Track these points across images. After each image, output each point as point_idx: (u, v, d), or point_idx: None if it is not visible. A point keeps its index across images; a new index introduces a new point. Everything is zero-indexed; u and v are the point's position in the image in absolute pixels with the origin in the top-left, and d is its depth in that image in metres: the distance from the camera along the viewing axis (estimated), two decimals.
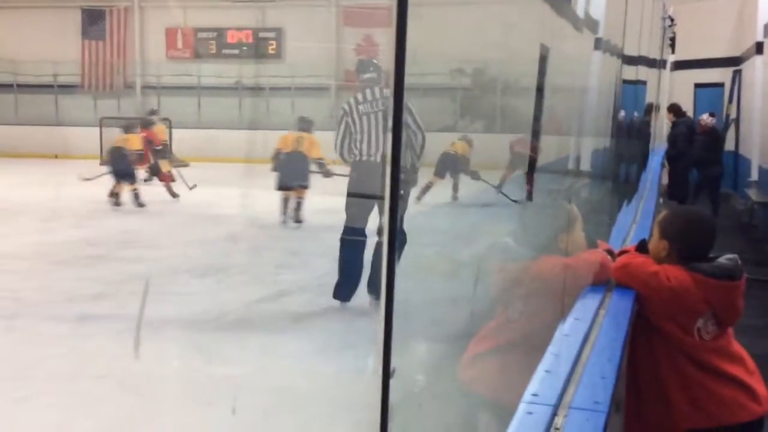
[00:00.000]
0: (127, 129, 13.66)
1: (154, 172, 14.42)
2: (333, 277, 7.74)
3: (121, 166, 12.75)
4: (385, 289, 1.34)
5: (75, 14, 25.34)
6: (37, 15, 25.38)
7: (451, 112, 23.41)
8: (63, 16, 25.35)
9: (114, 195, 12.80)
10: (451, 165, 13.83)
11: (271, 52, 24.58)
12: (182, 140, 21.14)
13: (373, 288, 6.33)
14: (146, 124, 14.48)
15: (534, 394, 2.03)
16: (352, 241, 6.58)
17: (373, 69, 7.17)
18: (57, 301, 6.70)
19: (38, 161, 21.38)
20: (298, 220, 11.18)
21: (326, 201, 13.65)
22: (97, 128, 21.37)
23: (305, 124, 12.06)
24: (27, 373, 4.85)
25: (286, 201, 11.35)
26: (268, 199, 13.76)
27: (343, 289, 6.61)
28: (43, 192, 15.10)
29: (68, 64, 25.20)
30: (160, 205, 13.29)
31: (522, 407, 1.97)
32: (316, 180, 16.35)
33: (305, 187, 11.31)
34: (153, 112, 18.23)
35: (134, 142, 13.40)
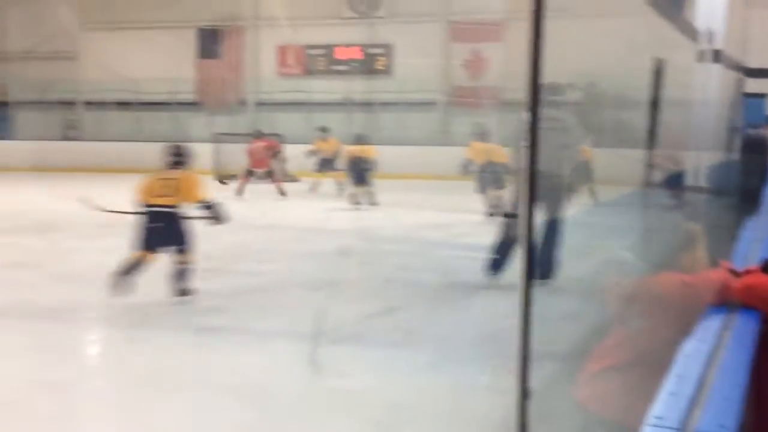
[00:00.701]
0: (360, 139, 16.05)
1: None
2: (442, 292, 7.77)
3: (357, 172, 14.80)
4: (522, 309, 1.35)
5: (192, 34, 26.12)
6: (156, 35, 26.26)
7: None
8: (180, 37, 26.16)
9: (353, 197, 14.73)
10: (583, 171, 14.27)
11: (380, 67, 24.80)
12: (293, 156, 21.47)
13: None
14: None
15: (658, 417, 1.99)
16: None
17: (561, 92, 7.87)
18: (176, 312, 6.89)
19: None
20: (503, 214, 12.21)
21: (434, 216, 13.74)
22: (212, 144, 21.98)
23: (484, 136, 14.01)
24: (149, 383, 5.01)
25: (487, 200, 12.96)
26: (378, 213, 13.91)
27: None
28: None
29: (186, 82, 26.00)
30: (272, 219, 13.56)
31: (646, 430, 1.94)
32: (427, 196, 16.44)
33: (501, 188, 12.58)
34: (324, 129, 19.30)
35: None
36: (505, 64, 22.75)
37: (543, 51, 1.39)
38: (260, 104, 25.87)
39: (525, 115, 1.82)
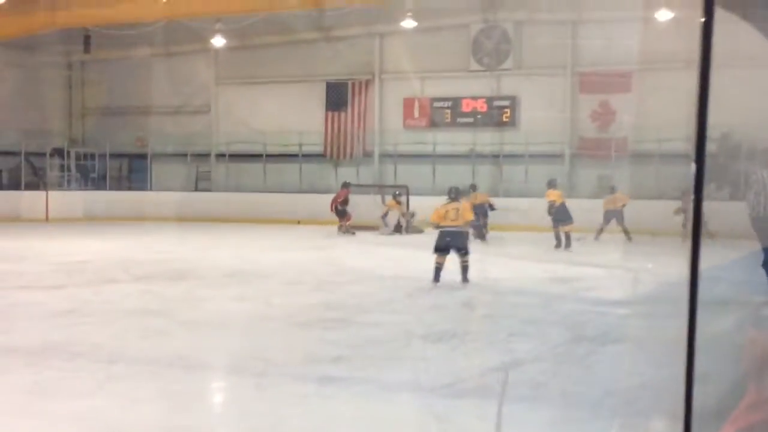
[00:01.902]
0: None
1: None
2: (568, 347, 7.59)
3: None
4: (687, 364, 1.30)
5: (320, 88, 26.75)
6: (285, 89, 27.01)
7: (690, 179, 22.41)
8: (309, 90, 26.82)
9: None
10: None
11: (505, 119, 24.75)
12: (419, 207, 21.57)
13: None
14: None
15: None
16: None
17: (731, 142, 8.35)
18: (300, 361, 6.95)
19: (284, 227, 22.54)
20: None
21: (560, 269, 13.51)
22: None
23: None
24: (275, 430, 5.04)
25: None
26: (503, 266, 13.77)
27: None
28: (287, 256, 15.88)
29: (312, 134, 26.56)
30: (396, 270, 13.59)
31: None
32: (552, 249, 16.19)
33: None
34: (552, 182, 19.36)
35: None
36: (634, 115, 22.36)
37: (709, 101, 1.35)
38: (385, 155, 26.16)
39: (692, 167, 1.77)
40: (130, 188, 27.45)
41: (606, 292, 11.22)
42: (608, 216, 18.93)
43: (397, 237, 20.43)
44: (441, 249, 11.52)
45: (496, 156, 24.39)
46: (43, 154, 27.01)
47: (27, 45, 26.58)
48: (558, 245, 16.93)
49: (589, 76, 23.76)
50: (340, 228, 20.74)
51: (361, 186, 23.60)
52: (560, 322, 8.91)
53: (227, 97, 27.99)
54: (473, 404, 5.68)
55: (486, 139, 24.49)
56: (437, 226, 11.67)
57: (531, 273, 13.29)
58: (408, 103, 26.02)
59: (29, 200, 22.76)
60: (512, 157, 24.06)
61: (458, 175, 24.20)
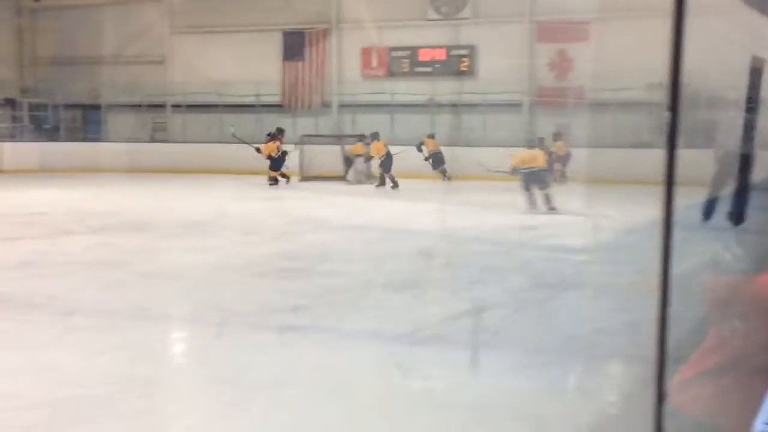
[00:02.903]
0: (541, 141, 17.42)
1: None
2: (529, 294, 7.66)
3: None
4: (660, 309, 1.29)
5: (277, 37, 26.41)
6: (241, 39, 26.64)
7: (648, 128, 22.68)
8: (265, 40, 26.47)
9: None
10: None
11: (463, 69, 24.68)
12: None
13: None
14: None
15: (766, 423, 1.89)
16: None
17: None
18: (260, 311, 6.93)
19: (241, 177, 22.39)
20: (552, 208, 14.20)
21: (520, 218, 13.60)
22: (298, 145, 22.18)
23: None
24: (235, 379, 5.03)
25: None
26: (462, 215, 13.82)
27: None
28: (244, 206, 15.80)
29: (270, 84, 26.30)
30: (356, 220, 13.60)
31: None
32: (512, 197, 16.31)
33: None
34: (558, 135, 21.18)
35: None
36: (591, 63, 22.41)
37: (683, 49, 1.32)
38: (344, 106, 26.00)
39: (666, 115, 1.75)
40: (84, 139, 26.98)
41: (567, 240, 11.33)
42: (563, 160, 19.86)
43: (358, 187, 20.38)
44: (527, 186, 14.43)
45: (454, 105, 24.35)
46: None
47: None
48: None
49: (546, 24, 23.72)
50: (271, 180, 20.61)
51: (320, 136, 23.48)
52: (520, 270, 8.98)
53: (182, 47, 27.54)
54: (434, 351, 5.72)
55: (445, 89, 24.44)
56: (515, 170, 14.49)
57: (492, 221, 13.36)
58: (366, 53, 25.82)
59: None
60: (471, 106, 24.04)
61: (417, 124, 24.18)
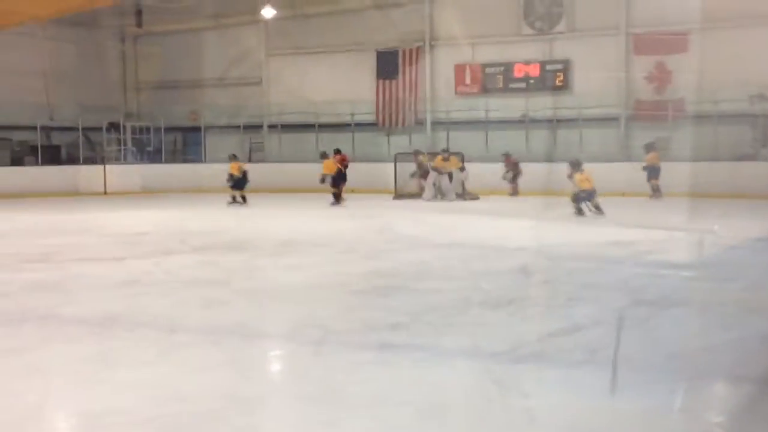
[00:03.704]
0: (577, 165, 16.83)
1: None
2: (629, 311, 7.51)
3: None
4: None
5: (371, 56, 26.65)
6: (336, 59, 26.97)
7: (751, 140, 22.09)
8: (359, 59, 26.76)
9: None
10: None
11: (558, 84, 24.45)
12: (472, 174, 21.50)
13: None
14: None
15: None
16: None
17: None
18: (358, 329, 6.97)
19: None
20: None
21: (617, 233, 13.36)
22: (391, 163, 22.32)
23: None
24: (334, 397, 5.06)
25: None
26: (559, 231, 13.66)
27: None
28: (341, 225, 15.94)
29: (364, 104, 26.53)
30: (451, 237, 13.57)
31: None
32: (608, 212, 16.00)
33: None
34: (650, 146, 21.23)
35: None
36: (691, 75, 21.94)
37: None
38: (437, 123, 26.03)
39: None
40: (184, 161, 27.72)
41: (667, 255, 11.08)
42: (654, 172, 19.71)
43: (449, 203, 20.36)
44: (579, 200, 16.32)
45: (549, 121, 24.14)
46: (100, 129, 27.46)
47: (82, 21, 26.96)
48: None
49: (643, 36, 23.34)
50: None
51: (422, 153, 23.55)
52: (619, 287, 8.81)
53: (278, 68, 28.06)
54: (533, 369, 5.65)
55: (539, 104, 24.24)
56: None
57: (588, 237, 13.17)
58: (459, 70, 25.83)
59: (87, 174, 23.17)
60: (566, 121, 23.78)
61: (511, 140, 24.05)
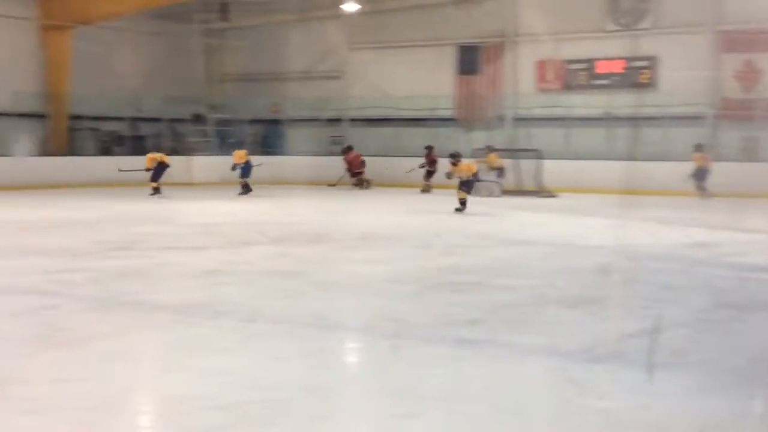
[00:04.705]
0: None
1: None
2: (712, 313, 7.38)
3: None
4: None
5: (451, 51, 26.57)
6: (417, 53, 26.98)
7: None
8: (440, 54, 26.71)
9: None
10: None
11: (643, 80, 24.03)
12: (551, 171, 21.32)
13: None
14: None
15: None
16: None
17: None
18: (434, 324, 6.99)
19: (415, 191, 22.69)
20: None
21: (701, 234, 13.10)
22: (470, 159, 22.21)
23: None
24: (409, 391, 5.10)
25: None
26: (640, 230, 13.45)
27: None
28: (419, 219, 15.97)
29: (444, 99, 26.49)
30: (529, 234, 13.50)
31: None
32: (693, 213, 15.72)
33: None
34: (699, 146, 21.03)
35: None
36: None
37: None
38: (518, 119, 25.83)
39: None
40: (265, 153, 28.08)
41: (752, 258, 10.84)
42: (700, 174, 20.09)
43: (523, 199, 20.19)
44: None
45: (633, 118, 23.73)
46: (184, 120, 28.02)
47: (169, 15, 27.51)
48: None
49: (732, 34, 22.76)
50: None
51: (495, 150, 23.43)
52: (702, 288, 8.65)
53: (359, 62, 28.18)
54: (611, 370, 5.59)
55: (623, 101, 23.84)
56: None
57: (669, 237, 12.96)
58: (541, 66, 25.59)
59: (172, 165, 23.56)
60: (650, 119, 23.35)
61: (593, 138, 23.74)
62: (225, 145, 27.24)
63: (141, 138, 27.73)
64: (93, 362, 5.73)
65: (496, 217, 16.55)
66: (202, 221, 15.07)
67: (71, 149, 25.78)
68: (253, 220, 15.53)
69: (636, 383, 5.30)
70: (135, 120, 27.71)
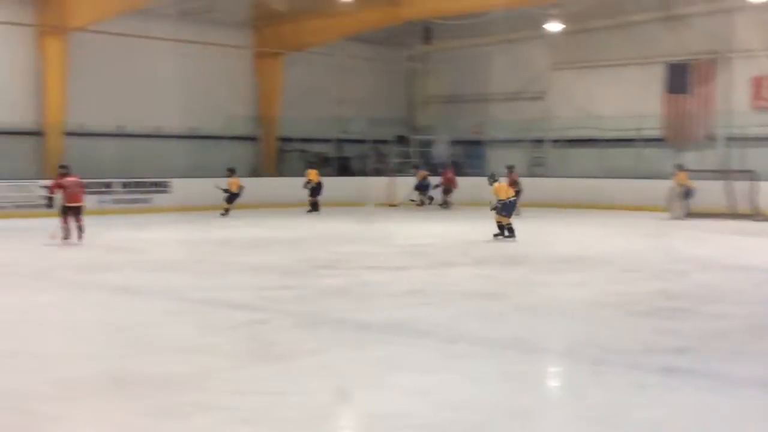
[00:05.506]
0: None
1: None
2: None
3: None
4: None
5: (659, 70, 25.75)
6: (621, 72, 26.34)
7: None
8: (646, 73, 25.94)
9: None
10: None
11: None
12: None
13: None
14: None
15: None
16: None
17: None
18: (640, 351, 6.76)
19: (620, 213, 22.08)
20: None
21: None
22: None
23: None
24: (613, 419, 4.95)
25: None
26: None
27: None
28: (625, 242, 15.50)
29: (650, 118, 25.66)
30: (743, 260, 12.82)
31: None
32: None
33: None
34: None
35: None
36: None
37: None
38: (731, 139, 24.62)
39: None
40: (466, 174, 28.18)
41: None
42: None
43: (737, 223, 19.19)
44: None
45: None
46: (387, 142, 28.68)
47: (373, 39, 28.27)
48: None
49: None
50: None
51: (703, 171, 22.44)
52: None
53: (561, 82, 27.82)
54: None
55: None
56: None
57: None
58: (757, 82, 24.30)
59: (376, 185, 24.18)
60: None
61: None
62: (428, 167, 27.59)
63: (346, 159, 28.62)
64: (301, 376, 5.94)
65: (705, 241, 15.84)
66: (405, 242, 15.24)
67: (280, 170, 26.94)
68: (456, 241, 15.61)
69: None
70: (340, 141, 28.63)
